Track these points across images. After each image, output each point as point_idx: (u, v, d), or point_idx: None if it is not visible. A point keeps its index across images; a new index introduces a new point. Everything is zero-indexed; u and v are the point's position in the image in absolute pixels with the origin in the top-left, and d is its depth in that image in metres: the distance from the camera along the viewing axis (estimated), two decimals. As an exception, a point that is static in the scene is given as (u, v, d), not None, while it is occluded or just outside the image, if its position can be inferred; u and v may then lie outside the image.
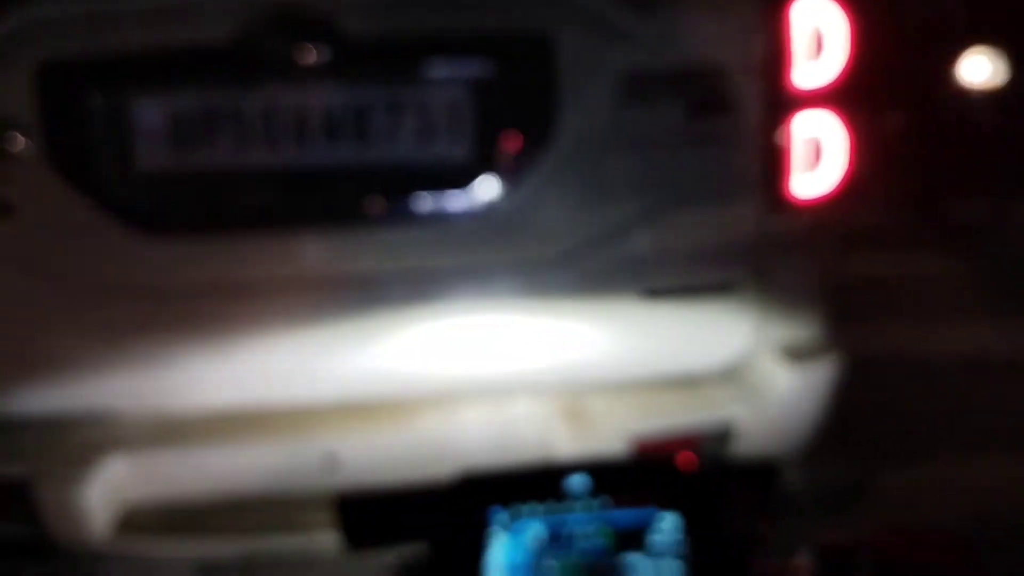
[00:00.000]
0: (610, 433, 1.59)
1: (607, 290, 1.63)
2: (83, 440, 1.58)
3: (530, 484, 0.79)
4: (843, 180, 1.60)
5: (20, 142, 1.43)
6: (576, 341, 1.67)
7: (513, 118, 1.53)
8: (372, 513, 0.83)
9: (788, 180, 1.61)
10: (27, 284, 1.50)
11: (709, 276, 1.66)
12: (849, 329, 1.84)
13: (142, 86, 1.46)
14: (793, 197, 1.63)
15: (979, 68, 4.98)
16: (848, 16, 1.54)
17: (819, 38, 1.56)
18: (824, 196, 1.62)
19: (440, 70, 1.51)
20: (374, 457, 1.59)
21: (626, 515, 0.78)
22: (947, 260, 4.42)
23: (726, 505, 0.82)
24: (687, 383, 1.72)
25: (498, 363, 1.65)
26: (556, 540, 0.77)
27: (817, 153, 1.61)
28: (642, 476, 0.85)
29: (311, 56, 1.42)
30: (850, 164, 1.59)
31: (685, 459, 0.85)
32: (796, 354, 1.70)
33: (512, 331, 1.63)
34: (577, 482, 0.77)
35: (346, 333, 1.59)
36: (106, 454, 1.54)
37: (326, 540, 1.42)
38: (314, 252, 1.56)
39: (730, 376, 1.73)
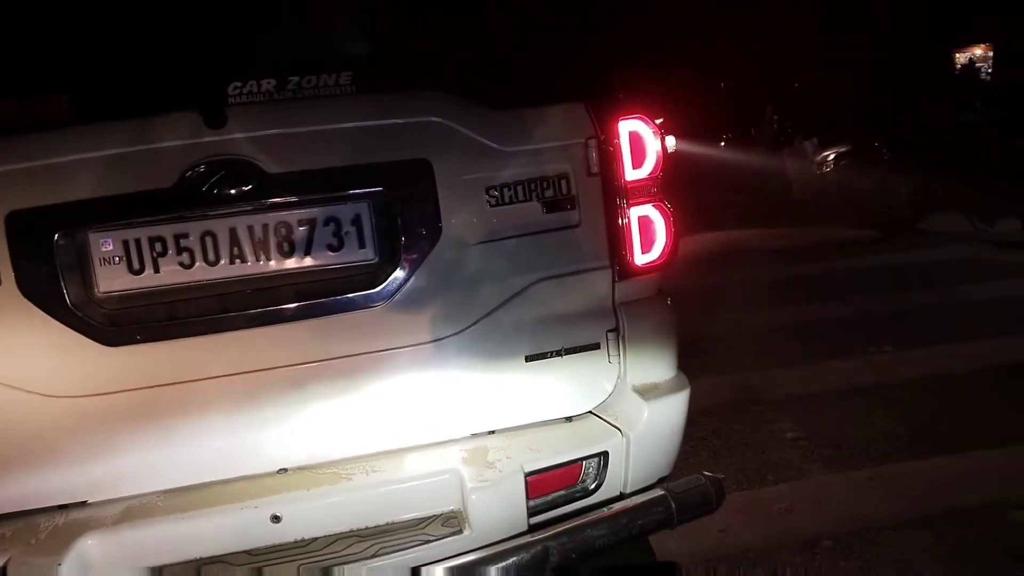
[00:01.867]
0: (506, 470, 1.92)
1: (493, 357, 1.98)
2: (57, 528, 1.82)
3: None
4: (667, 249, 2.04)
5: None
6: (474, 400, 2.01)
7: (405, 224, 1.89)
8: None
9: (631, 252, 2.03)
10: (7, 396, 1.75)
11: (577, 338, 2.04)
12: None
13: (99, 224, 1.76)
14: (636, 265, 2.05)
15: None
16: (654, 126, 1.99)
17: (638, 144, 2.01)
18: (656, 262, 2.05)
19: (345, 192, 1.86)
20: (311, 514, 1.88)
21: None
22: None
23: None
24: (566, 424, 2.09)
25: (413, 424, 1.99)
26: None
27: (648, 229, 2.04)
28: None
29: (240, 192, 1.76)
30: (669, 236, 2.03)
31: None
32: (653, 391, 2.09)
33: (422, 396, 1.97)
34: None
35: (280, 413, 1.90)
36: (77, 538, 1.77)
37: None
38: (251, 348, 1.85)
39: (601, 414, 2.10)
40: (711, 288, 6.31)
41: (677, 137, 12.56)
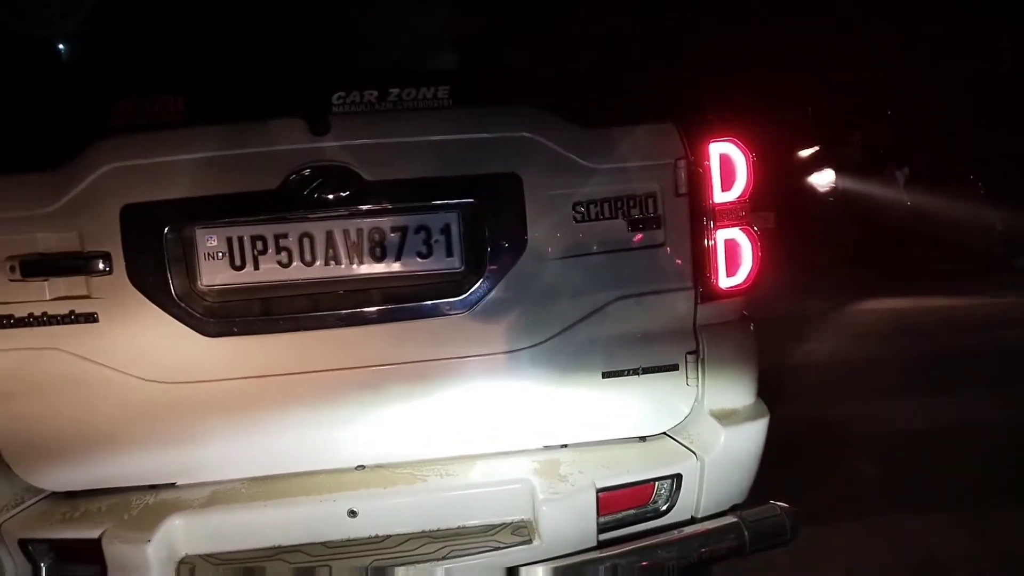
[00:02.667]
0: (579, 484, 1.93)
1: (570, 371, 2.00)
2: (147, 506, 1.93)
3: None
4: (752, 274, 2.02)
5: (108, 267, 1.82)
6: (549, 412, 2.03)
7: (493, 236, 1.92)
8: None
9: (716, 275, 2.02)
10: (109, 380, 1.87)
11: (655, 358, 2.04)
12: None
13: (205, 220, 1.86)
14: (720, 289, 2.03)
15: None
16: (744, 149, 1.98)
17: (728, 166, 2.00)
18: (740, 286, 2.03)
19: (437, 202, 1.91)
20: (387, 511, 1.94)
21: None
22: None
23: None
24: (640, 444, 2.09)
25: (487, 432, 2.02)
26: None
27: (734, 253, 2.02)
28: None
29: (339, 197, 1.83)
30: (755, 260, 2.01)
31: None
32: (731, 417, 2.07)
33: (499, 406, 2.00)
34: None
35: (360, 411, 1.96)
36: (166, 517, 1.87)
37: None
38: (338, 347, 1.92)
39: (676, 436, 2.09)
40: (796, 315, 6.15)
41: (836, 170, 10.58)
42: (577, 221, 1.94)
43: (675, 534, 1.99)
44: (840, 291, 7.62)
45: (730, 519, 2.02)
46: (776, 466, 2.16)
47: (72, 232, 1.82)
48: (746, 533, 1.97)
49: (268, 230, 1.87)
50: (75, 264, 1.82)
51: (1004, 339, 5.70)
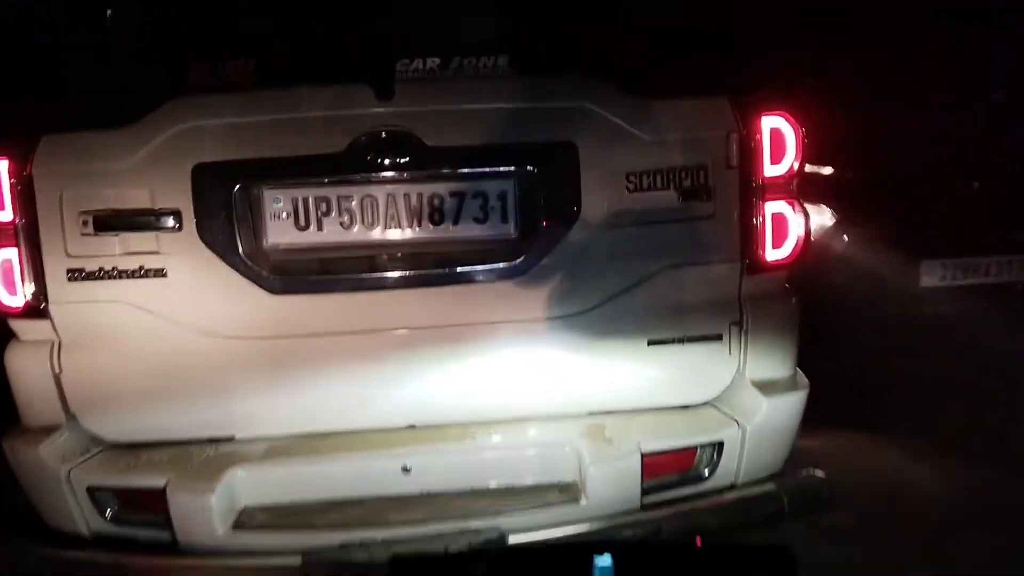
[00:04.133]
0: (624, 448, 1.98)
1: (617, 338, 2.04)
2: (208, 458, 1.99)
3: (558, 564, 0.90)
4: (798, 247, 2.06)
5: (178, 223, 1.88)
6: (595, 378, 2.08)
7: (547, 204, 1.97)
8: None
9: (763, 247, 2.06)
10: (177, 333, 1.93)
11: (700, 327, 2.08)
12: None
13: (272, 181, 1.91)
14: (766, 261, 2.07)
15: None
16: (795, 125, 2.02)
17: (779, 141, 2.03)
18: (786, 259, 2.07)
19: (495, 169, 1.96)
20: (438, 469, 2.00)
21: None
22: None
23: None
24: (683, 411, 2.13)
25: (535, 395, 2.07)
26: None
27: (781, 226, 2.06)
28: (665, 558, 0.93)
29: (401, 162, 1.88)
30: (802, 234, 2.05)
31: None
32: (772, 387, 2.11)
33: (547, 370, 2.05)
34: (602, 563, 0.86)
35: (413, 371, 2.01)
36: (227, 469, 1.94)
37: (404, 534, 1.83)
38: (395, 308, 1.98)
39: (718, 405, 2.14)
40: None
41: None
42: (629, 191, 1.98)
43: (717, 499, 2.04)
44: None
45: (770, 486, 2.06)
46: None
47: (144, 189, 1.88)
48: (785, 499, 2.02)
49: (332, 192, 1.92)
50: (146, 220, 1.88)
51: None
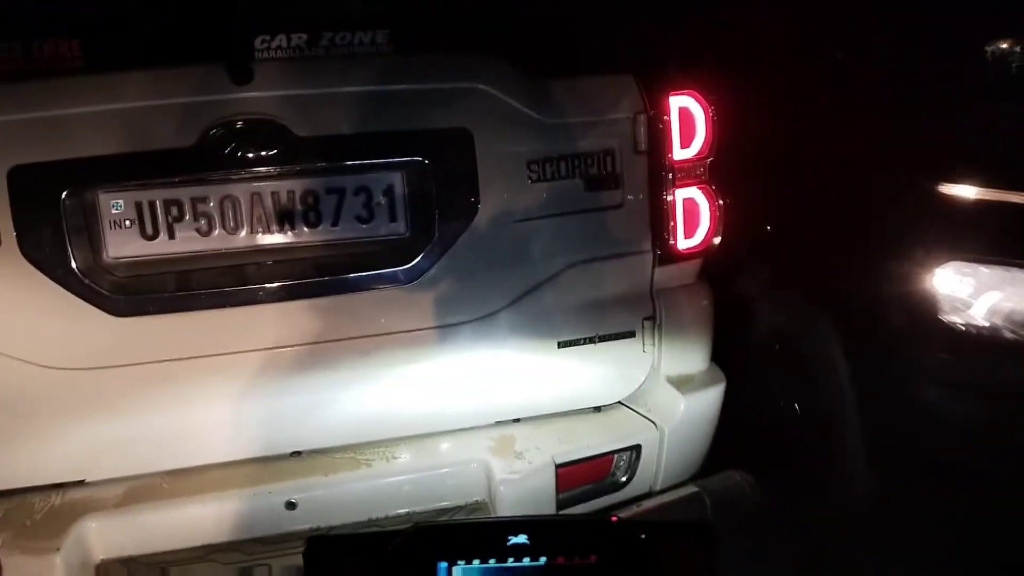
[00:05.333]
0: (536, 462, 1.82)
1: (526, 341, 1.88)
2: (52, 508, 1.70)
3: (476, 541, 0.83)
4: (710, 234, 1.93)
5: None
6: (502, 386, 1.91)
7: (441, 198, 1.76)
8: (333, 554, 0.91)
9: (674, 236, 1.92)
10: (3, 367, 1.62)
11: (612, 324, 1.94)
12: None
13: (110, 183, 1.62)
14: (678, 251, 1.94)
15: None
16: (704, 104, 1.88)
17: (688, 122, 1.89)
18: (699, 247, 1.94)
19: (378, 160, 1.74)
20: (329, 501, 1.78)
21: (567, 573, 0.81)
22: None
23: (665, 564, 0.84)
24: (595, 415, 2.00)
25: (437, 409, 1.88)
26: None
27: (692, 213, 1.93)
28: (582, 535, 0.88)
29: (265, 155, 1.63)
30: (713, 221, 1.92)
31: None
32: (689, 383, 2.00)
33: (449, 382, 1.86)
34: (520, 540, 0.81)
35: (296, 393, 1.78)
36: (76, 520, 1.66)
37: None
38: (270, 324, 1.73)
39: (631, 405, 2.01)
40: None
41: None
42: (532, 181, 1.81)
43: (635, 508, 1.93)
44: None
45: (691, 489, 1.97)
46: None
47: None
48: (708, 502, 1.94)
49: (184, 193, 1.65)
50: None
51: None
